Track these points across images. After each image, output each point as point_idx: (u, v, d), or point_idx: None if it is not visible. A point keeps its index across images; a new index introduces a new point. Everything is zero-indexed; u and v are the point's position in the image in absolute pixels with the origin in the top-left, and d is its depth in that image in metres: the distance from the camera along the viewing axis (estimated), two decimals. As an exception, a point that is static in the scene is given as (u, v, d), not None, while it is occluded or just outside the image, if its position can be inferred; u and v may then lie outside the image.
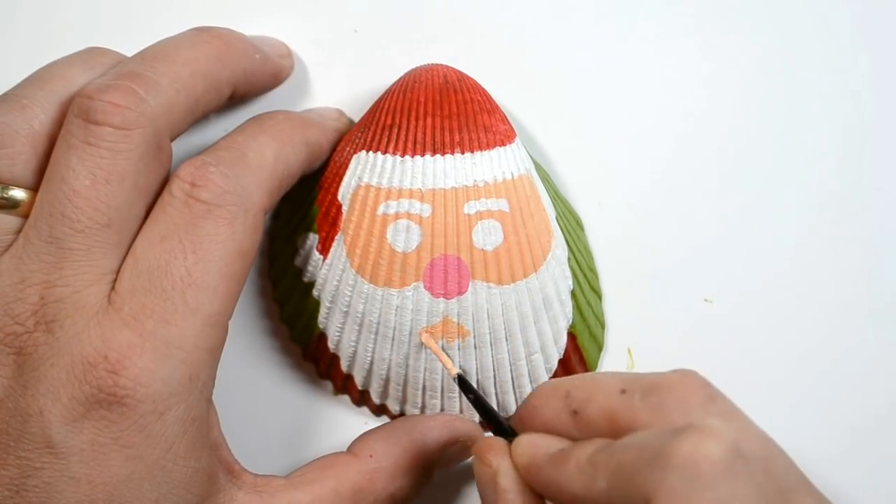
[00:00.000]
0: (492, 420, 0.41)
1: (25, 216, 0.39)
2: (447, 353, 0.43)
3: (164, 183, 0.40)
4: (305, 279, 0.44)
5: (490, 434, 0.42)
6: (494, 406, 0.45)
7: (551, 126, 0.47)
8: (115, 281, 0.38)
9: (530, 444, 0.38)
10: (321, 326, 0.45)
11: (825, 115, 0.47)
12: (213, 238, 0.38)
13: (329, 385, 0.47)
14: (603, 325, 0.47)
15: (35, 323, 0.37)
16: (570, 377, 0.39)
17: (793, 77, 0.47)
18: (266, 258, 0.47)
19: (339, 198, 0.43)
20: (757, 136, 0.47)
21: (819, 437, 0.47)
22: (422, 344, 0.43)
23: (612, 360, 0.47)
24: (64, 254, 0.37)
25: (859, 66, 0.47)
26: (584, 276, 0.45)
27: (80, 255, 0.38)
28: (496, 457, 0.38)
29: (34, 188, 0.39)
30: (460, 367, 0.43)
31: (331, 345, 0.45)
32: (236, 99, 0.44)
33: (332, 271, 0.43)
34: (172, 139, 0.40)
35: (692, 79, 0.47)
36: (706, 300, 0.47)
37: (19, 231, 0.39)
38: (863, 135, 0.47)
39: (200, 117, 0.41)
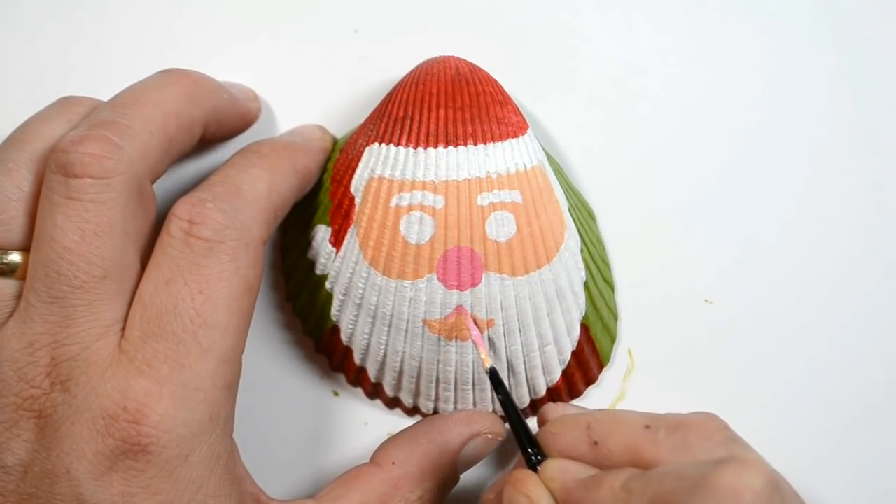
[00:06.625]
0: (516, 423, 0.41)
1: (23, 278, 0.39)
2: (462, 347, 0.43)
3: (153, 227, 0.40)
4: (318, 272, 0.44)
5: (487, 424, 0.43)
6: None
7: (563, 117, 0.46)
8: (122, 330, 0.38)
9: (560, 469, 0.38)
10: (334, 319, 0.45)
11: (831, 117, 0.47)
12: (219, 276, 0.38)
13: (342, 378, 0.47)
14: (616, 317, 0.47)
15: (51, 384, 0.37)
16: (590, 411, 0.40)
17: (806, 79, 0.46)
18: (278, 251, 0.47)
19: (352, 190, 0.43)
20: (764, 136, 0.47)
21: (819, 436, 0.47)
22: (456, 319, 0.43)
23: (624, 353, 0.47)
24: (67, 312, 0.38)
25: (862, 67, 0.47)
26: (597, 267, 0.45)
27: (83, 311, 0.38)
28: (535, 489, 0.38)
29: (29, 250, 0.39)
30: (490, 359, 0.43)
31: (344, 337, 0.45)
32: (207, 140, 0.44)
33: (345, 264, 0.43)
34: (153, 181, 0.40)
35: (705, 74, 0.46)
36: (706, 300, 0.47)
37: (19, 295, 0.39)
38: (864, 137, 0.47)
39: (176, 158, 0.41)
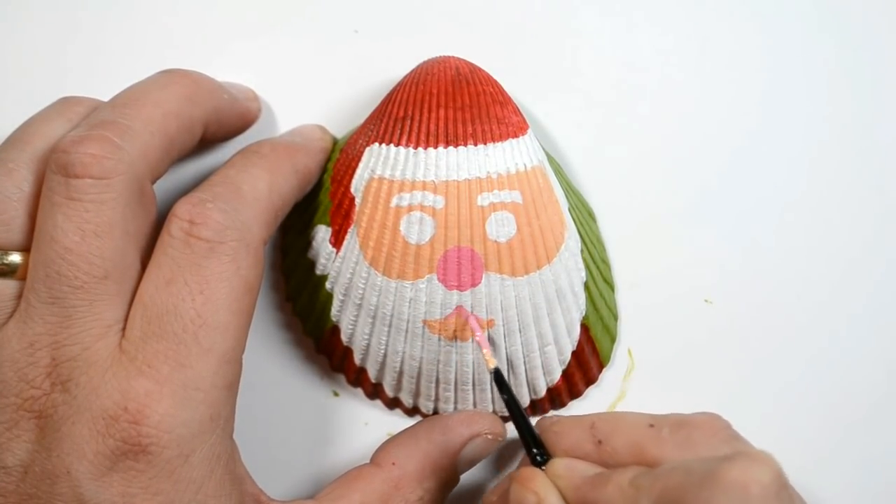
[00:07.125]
0: (521, 423, 0.41)
1: (24, 279, 0.39)
2: (462, 347, 0.43)
3: (154, 227, 0.40)
4: (318, 272, 0.44)
5: (488, 425, 0.44)
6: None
7: (563, 117, 0.46)
8: (123, 330, 0.38)
9: (567, 467, 0.38)
10: (334, 319, 0.45)
11: (831, 117, 0.46)
12: (219, 276, 0.38)
13: (342, 378, 0.47)
14: (616, 317, 0.47)
15: (51, 384, 0.37)
16: (593, 413, 0.41)
17: (805, 79, 0.46)
18: (278, 251, 0.47)
19: (352, 190, 0.43)
20: (764, 136, 0.47)
21: (819, 436, 0.47)
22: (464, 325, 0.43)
23: (624, 353, 0.47)
24: (67, 312, 0.38)
25: (862, 67, 0.47)
26: (597, 267, 0.45)
27: (84, 311, 0.38)
28: (542, 486, 0.38)
29: (30, 250, 0.39)
30: (494, 360, 0.43)
31: (344, 337, 0.45)
32: (207, 141, 0.44)
33: (345, 264, 0.43)
34: (153, 182, 0.40)
35: (705, 74, 0.46)
36: (706, 300, 0.47)
37: (19, 296, 0.39)
38: (864, 137, 0.47)
39: (177, 158, 0.41)
